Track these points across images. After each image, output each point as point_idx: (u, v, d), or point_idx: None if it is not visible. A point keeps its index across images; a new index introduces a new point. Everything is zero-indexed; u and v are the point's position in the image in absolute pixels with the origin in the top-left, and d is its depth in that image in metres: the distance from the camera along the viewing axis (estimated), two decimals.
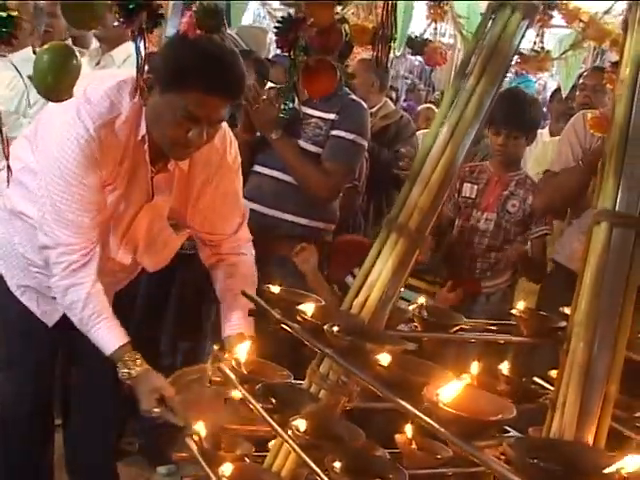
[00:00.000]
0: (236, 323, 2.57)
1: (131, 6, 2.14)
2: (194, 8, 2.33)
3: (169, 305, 3.73)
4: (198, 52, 2.30)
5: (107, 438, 3.13)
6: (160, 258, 2.77)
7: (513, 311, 2.03)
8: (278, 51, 2.67)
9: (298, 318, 1.58)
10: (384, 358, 1.35)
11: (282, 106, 2.76)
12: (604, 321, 1.29)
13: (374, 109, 4.60)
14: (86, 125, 2.38)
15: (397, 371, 1.34)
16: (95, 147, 2.38)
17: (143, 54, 2.22)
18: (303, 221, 3.48)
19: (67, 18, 1.92)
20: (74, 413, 3.05)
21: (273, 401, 1.58)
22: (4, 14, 1.75)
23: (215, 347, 2.25)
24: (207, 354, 3.63)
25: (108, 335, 2.41)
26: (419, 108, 6.35)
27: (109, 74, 2.44)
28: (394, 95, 6.36)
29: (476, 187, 3.84)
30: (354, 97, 3.56)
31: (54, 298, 2.71)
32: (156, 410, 2.27)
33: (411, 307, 1.88)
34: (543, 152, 4.65)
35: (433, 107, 5.83)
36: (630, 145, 1.34)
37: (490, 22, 1.63)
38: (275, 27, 2.41)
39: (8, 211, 2.70)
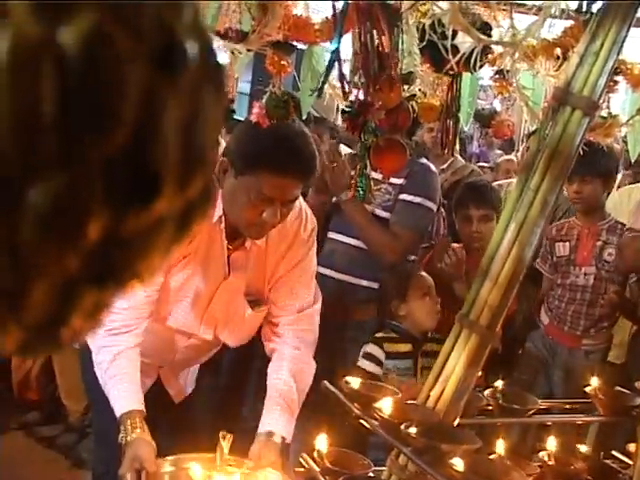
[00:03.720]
0: (269, 420, 2.49)
1: None
2: (264, 100, 2.44)
3: (251, 374, 3.81)
4: (270, 136, 2.36)
5: None
6: (240, 334, 2.80)
7: (587, 389, 2.07)
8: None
9: (376, 415, 1.64)
10: (458, 462, 1.41)
11: (359, 178, 2.80)
12: None
13: (445, 165, 4.66)
14: None
15: (471, 475, 1.40)
16: None
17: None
18: (377, 286, 3.52)
19: None
20: None
21: None
22: None
23: (221, 434, 2.25)
24: None
25: (122, 397, 2.43)
26: (499, 160, 6.28)
27: None
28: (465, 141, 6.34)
29: (568, 244, 3.83)
30: (423, 161, 3.61)
31: None
32: (127, 476, 2.23)
33: (486, 392, 1.94)
34: (619, 200, 4.62)
35: (513, 159, 5.78)
36: None
37: (551, 122, 1.68)
38: (344, 111, 2.49)
39: None
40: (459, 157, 4.92)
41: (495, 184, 5.15)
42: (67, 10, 0.39)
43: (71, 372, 3.97)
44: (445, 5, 1.66)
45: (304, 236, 2.69)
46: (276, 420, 2.48)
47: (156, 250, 0.46)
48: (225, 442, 2.24)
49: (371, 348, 3.19)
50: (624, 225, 3.83)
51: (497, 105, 4.68)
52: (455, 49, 1.75)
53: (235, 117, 5.67)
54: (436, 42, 1.85)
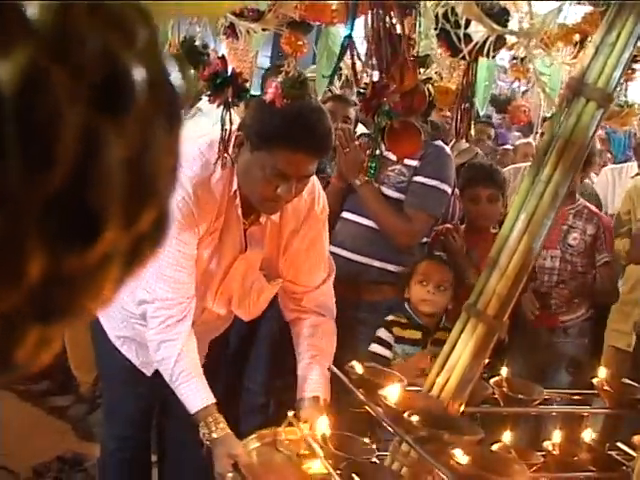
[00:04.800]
0: (312, 386, 2.56)
1: (218, 81, 2.25)
2: (279, 79, 2.42)
3: (260, 346, 3.80)
4: (285, 112, 2.34)
5: None
6: (254, 308, 2.81)
7: (594, 380, 2.06)
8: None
9: (380, 402, 1.64)
10: (459, 453, 1.41)
11: (371, 158, 2.79)
12: None
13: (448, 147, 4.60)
14: (183, 184, 2.46)
15: (472, 467, 1.40)
16: (192, 205, 2.46)
17: (229, 127, 2.32)
18: (391, 267, 3.48)
19: None
20: (167, 460, 3.13)
21: None
22: None
23: (290, 413, 2.31)
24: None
25: (195, 394, 2.45)
26: (517, 143, 6.22)
27: (202, 134, 2.53)
28: (492, 132, 6.22)
29: None
30: (438, 143, 3.58)
31: None
32: (229, 475, 2.28)
33: (492, 380, 1.94)
34: (634, 189, 4.58)
35: (532, 142, 5.73)
36: None
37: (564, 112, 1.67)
38: (359, 93, 2.47)
39: None
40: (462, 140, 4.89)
41: (513, 167, 5.13)
42: (1, 44, 0.36)
43: (81, 343, 3.98)
44: None
45: (317, 211, 2.69)
46: (318, 384, 2.54)
47: (104, 285, 0.43)
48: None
49: (382, 332, 3.22)
50: (590, 210, 3.91)
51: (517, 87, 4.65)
52: (468, 38, 1.74)
53: (252, 93, 5.66)
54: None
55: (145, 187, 0.42)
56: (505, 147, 6.51)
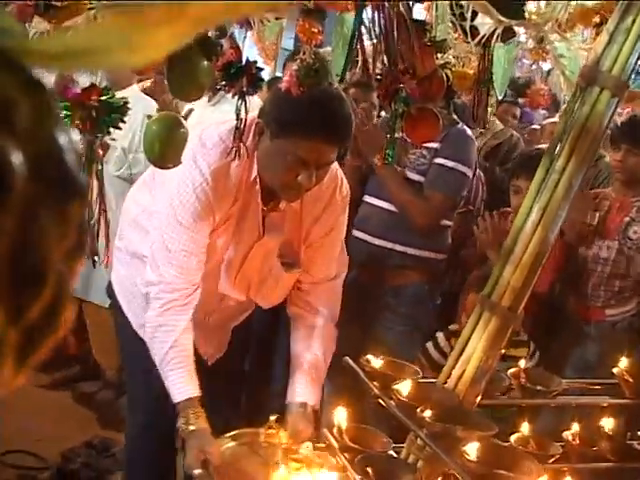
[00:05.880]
0: (302, 391, 2.54)
1: (232, 71, 2.24)
2: (295, 67, 2.40)
3: (282, 333, 3.80)
4: (303, 99, 2.32)
5: None
6: (273, 296, 2.80)
7: (614, 370, 2.04)
8: None
9: (394, 396, 1.64)
10: (471, 450, 1.40)
11: (388, 145, 2.76)
12: None
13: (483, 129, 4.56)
14: (202, 170, 2.46)
15: (484, 464, 1.39)
16: (210, 191, 2.46)
17: (244, 116, 2.31)
18: (412, 251, 3.48)
19: (172, 89, 2.03)
20: None
21: (370, 473, 1.64)
22: (117, 101, 1.87)
23: (272, 417, 2.30)
24: None
25: (182, 384, 2.45)
26: (544, 122, 6.12)
27: (223, 120, 2.52)
28: (518, 112, 6.10)
29: (597, 214, 3.70)
30: (459, 125, 3.54)
31: None
32: (197, 471, 2.27)
33: (510, 371, 1.93)
34: None
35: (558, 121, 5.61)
36: None
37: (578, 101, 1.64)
38: (376, 79, 2.45)
39: (130, 253, 2.80)
40: (497, 121, 4.86)
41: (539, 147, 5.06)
42: None
43: (102, 329, 4.00)
44: None
45: (339, 199, 2.67)
46: (308, 391, 2.51)
47: None
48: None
49: (441, 339, 3.22)
50: None
51: (543, 65, 4.57)
52: (476, 29, 1.71)
53: (277, 75, 5.63)
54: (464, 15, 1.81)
55: (31, 279, 0.40)
56: (533, 127, 6.41)
